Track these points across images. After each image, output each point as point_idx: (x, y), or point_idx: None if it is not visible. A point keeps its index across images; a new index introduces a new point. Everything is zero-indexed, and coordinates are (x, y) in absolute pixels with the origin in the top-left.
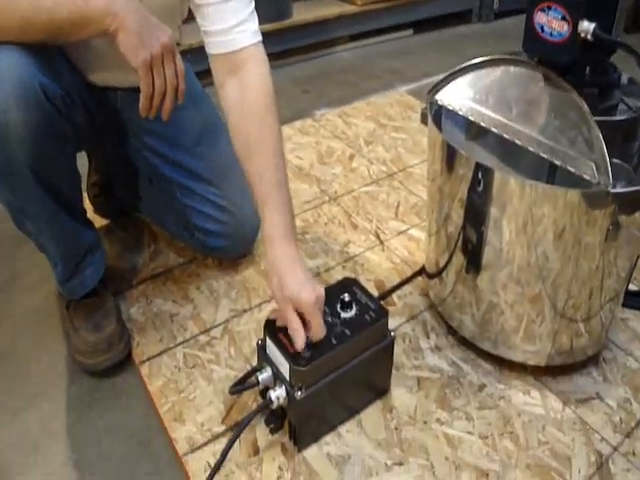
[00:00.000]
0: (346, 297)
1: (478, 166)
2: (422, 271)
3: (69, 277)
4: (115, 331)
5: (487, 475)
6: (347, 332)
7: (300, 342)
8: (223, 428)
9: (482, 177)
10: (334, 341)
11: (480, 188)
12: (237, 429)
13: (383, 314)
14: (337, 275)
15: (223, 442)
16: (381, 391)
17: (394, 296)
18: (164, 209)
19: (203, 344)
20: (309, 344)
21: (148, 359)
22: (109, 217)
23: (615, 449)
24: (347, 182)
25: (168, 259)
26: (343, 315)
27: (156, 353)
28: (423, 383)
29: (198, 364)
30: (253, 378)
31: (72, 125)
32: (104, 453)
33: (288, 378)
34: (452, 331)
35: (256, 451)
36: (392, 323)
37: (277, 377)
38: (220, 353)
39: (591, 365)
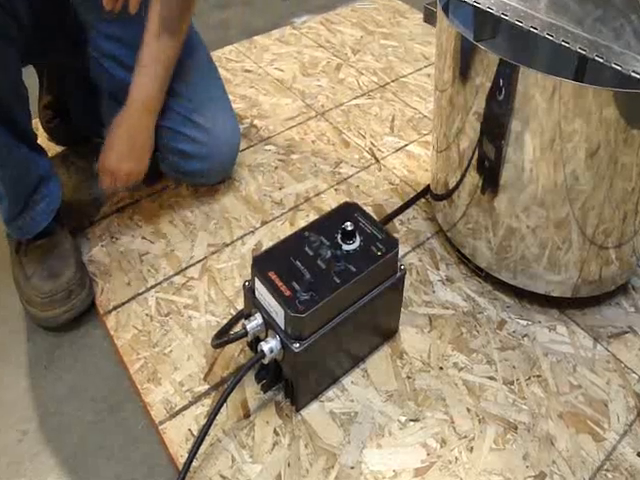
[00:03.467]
0: (348, 226)
1: (503, 65)
2: (426, 192)
3: (18, 213)
4: (74, 277)
5: (515, 428)
6: (351, 268)
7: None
8: (206, 387)
9: (505, 80)
10: (337, 280)
11: (502, 96)
12: (224, 391)
13: (392, 244)
14: (329, 200)
15: (207, 405)
16: (389, 333)
17: (396, 222)
18: None
19: (179, 287)
20: (307, 283)
21: (114, 308)
22: (65, 144)
23: None
24: (335, 95)
25: (135, 189)
26: (345, 247)
27: (124, 300)
28: (435, 322)
29: (173, 311)
30: (240, 326)
31: (16, 23)
32: (66, 423)
33: (283, 327)
34: (464, 260)
35: (246, 413)
36: None
37: (269, 325)
38: (199, 297)
39: (620, 295)
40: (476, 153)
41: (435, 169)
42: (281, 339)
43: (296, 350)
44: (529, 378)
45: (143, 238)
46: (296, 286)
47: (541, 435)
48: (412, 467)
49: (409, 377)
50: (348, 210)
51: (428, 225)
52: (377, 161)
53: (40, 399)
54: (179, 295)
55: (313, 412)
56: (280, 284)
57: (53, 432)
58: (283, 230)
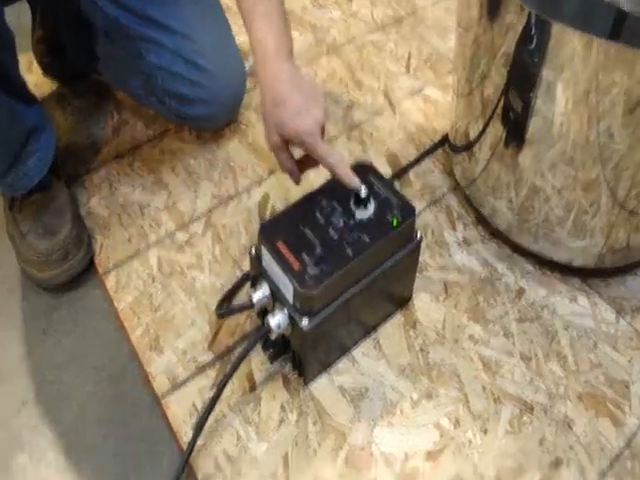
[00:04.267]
0: (362, 192)
1: None
2: (444, 142)
3: (7, 169)
4: (71, 235)
5: (532, 409)
6: (365, 239)
7: (295, 178)
8: (210, 357)
9: (538, 24)
10: (349, 252)
11: (534, 41)
12: (229, 368)
13: (409, 212)
14: (341, 149)
15: (211, 376)
16: (402, 301)
17: (411, 174)
18: (127, 71)
19: (181, 244)
20: (317, 255)
21: (115, 267)
22: (61, 80)
23: None
24: (347, 29)
25: (135, 132)
26: (359, 216)
27: (124, 258)
28: (451, 289)
29: (176, 271)
30: (245, 293)
31: None
32: (65, 392)
33: (291, 300)
34: (483, 220)
35: (252, 386)
36: None
37: (276, 297)
38: (202, 255)
39: None
40: (501, 101)
41: (455, 116)
42: (289, 313)
43: (305, 327)
44: (548, 354)
45: (144, 189)
46: (306, 258)
47: (558, 418)
48: (424, 450)
49: (422, 350)
50: (362, 171)
51: (445, 179)
52: (392, 105)
53: (39, 366)
54: (182, 253)
55: (322, 386)
56: (289, 255)
57: (52, 402)
58: (291, 182)
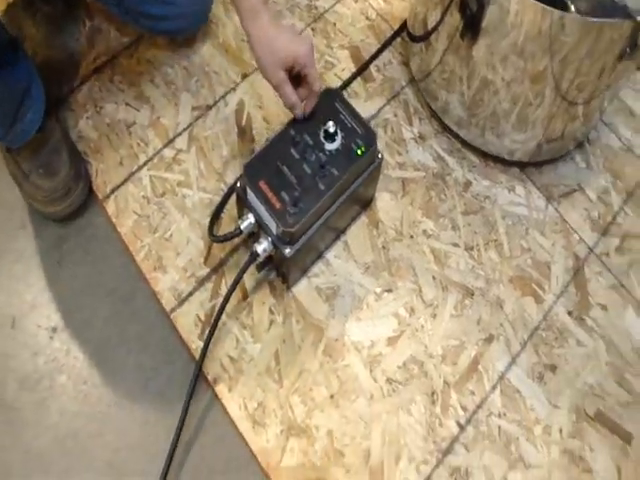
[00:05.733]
0: (330, 127)
1: None
2: (403, 29)
3: (7, 131)
4: (70, 173)
5: (472, 294)
6: (335, 172)
7: (299, 113)
8: (207, 271)
9: None
10: (321, 186)
11: None
12: (227, 290)
13: (372, 139)
14: None
15: (209, 289)
16: (367, 203)
17: (372, 68)
18: None
19: (169, 161)
20: (295, 194)
21: (112, 192)
22: None
23: (591, 250)
24: None
25: (109, 41)
26: (328, 147)
27: (120, 182)
28: (408, 186)
29: (168, 190)
30: (233, 209)
31: None
32: (88, 318)
33: (275, 232)
34: (436, 115)
35: (245, 295)
36: (372, 105)
37: (261, 225)
38: (189, 171)
39: (575, 150)
40: None
41: (415, 1)
42: (273, 242)
43: (287, 254)
44: (487, 243)
45: (127, 105)
46: (285, 197)
47: (493, 300)
48: (385, 336)
49: (384, 247)
50: (329, 97)
51: (403, 71)
52: None
53: (60, 295)
54: (171, 172)
55: (302, 289)
56: (271, 195)
57: (78, 328)
58: (264, 86)
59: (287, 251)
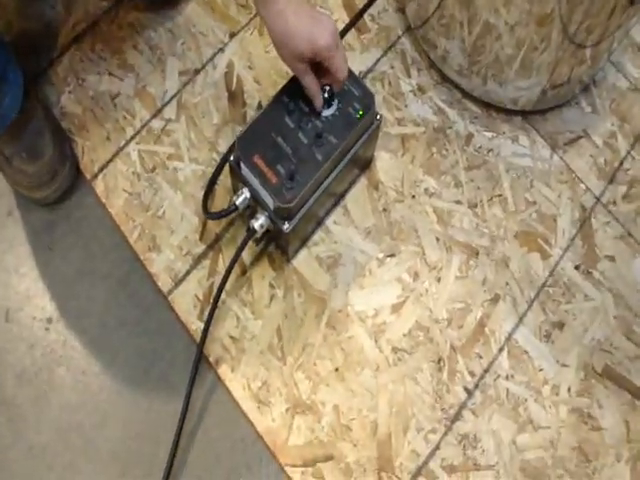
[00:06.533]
0: (326, 91)
1: None
2: None
3: None
4: (54, 154)
5: (477, 254)
6: (332, 140)
7: (319, 105)
8: (203, 248)
9: None
10: (319, 157)
11: None
12: (225, 269)
13: (370, 101)
14: None
15: (206, 266)
16: (366, 164)
17: (366, 18)
18: None
19: (158, 133)
20: (291, 167)
21: (100, 170)
22: None
23: (598, 200)
24: None
25: (88, 6)
26: (324, 113)
27: (107, 159)
28: (408, 143)
29: (158, 164)
30: (227, 180)
31: None
32: (84, 305)
33: (272, 208)
34: (435, 65)
35: (243, 270)
36: (368, 58)
37: (257, 200)
38: (180, 142)
39: (580, 94)
40: None
41: None
42: (270, 217)
43: (285, 229)
44: (491, 199)
45: (110, 74)
46: (281, 170)
47: (498, 258)
48: (389, 304)
49: (385, 210)
50: None
51: (399, 19)
52: None
53: (54, 285)
54: (160, 144)
55: (302, 259)
56: (266, 170)
57: (74, 317)
58: (254, 43)
59: (285, 226)
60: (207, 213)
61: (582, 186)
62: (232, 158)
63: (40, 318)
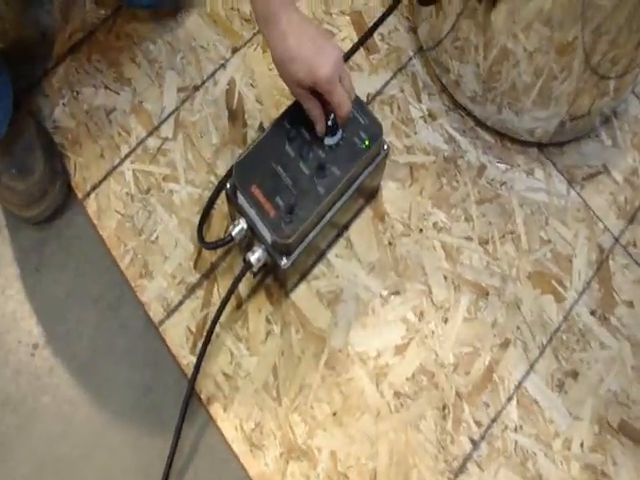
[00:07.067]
0: (330, 119)
1: None
2: None
3: None
4: (45, 171)
5: (487, 294)
6: (335, 172)
7: (319, 131)
8: (197, 277)
9: None
10: (321, 190)
11: None
12: (220, 301)
13: (377, 130)
14: (304, 8)
15: (200, 297)
16: (372, 195)
17: (376, 37)
18: None
19: (154, 152)
20: (291, 201)
21: (92, 189)
22: None
23: (617, 240)
24: None
25: (85, 14)
26: (327, 142)
27: (100, 178)
28: (417, 173)
29: (153, 185)
30: (224, 204)
31: None
32: (72, 331)
33: (269, 241)
34: (447, 90)
35: (239, 303)
36: (377, 80)
37: (254, 232)
38: (176, 163)
39: (601, 126)
40: None
41: None
42: (268, 251)
43: (283, 265)
44: (503, 235)
45: (106, 88)
46: (280, 203)
47: (509, 299)
48: (393, 345)
49: (390, 243)
50: None
51: (411, 40)
52: None
53: (41, 307)
54: (156, 164)
55: (301, 294)
56: (264, 201)
57: (61, 343)
58: (257, 60)
59: (283, 262)
60: (202, 242)
61: (600, 225)
62: (228, 186)
63: (26, 342)
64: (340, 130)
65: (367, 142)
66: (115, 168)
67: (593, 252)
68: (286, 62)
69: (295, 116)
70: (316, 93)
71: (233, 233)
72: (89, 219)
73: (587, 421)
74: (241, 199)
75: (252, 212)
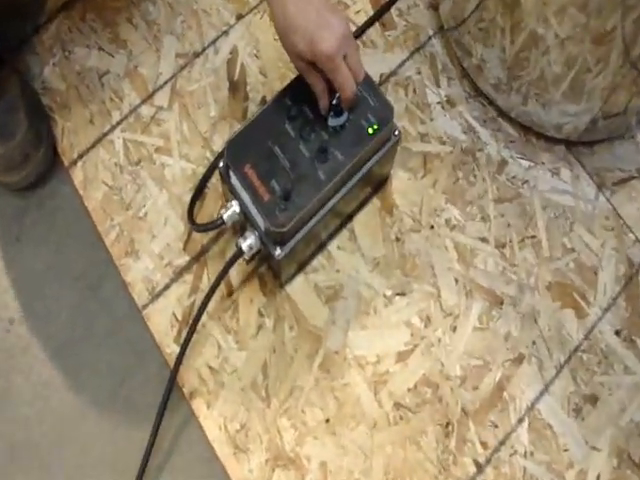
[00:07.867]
0: (335, 97)
1: None
2: None
3: None
4: (28, 134)
5: (501, 303)
6: (339, 157)
7: (324, 106)
8: (186, 259)
9: None
10: (321, 176)
11: None
12: (209, 288)
13: (387, 114)
14: None
15: (188, 281)
16: (380, 184)
17: (393, 12)
18: None
19: (147, 121)
20: (288, 185)
21: (80, 157)
22: None
23: None
24: None
25: None
26: (332, 123)
27: (89, 145)
28: (430, 163)
29: (144, 157)
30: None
31: None
32: (51, 308)
33: (263, 228)
34: (469, 75)
35: (230, 291)
36: (392, 59)
37: (247, 217)
38: (170, 134)
39: (637, 127)
40: None
41: None
42: (261, 238)
43: (277, 256)
44: (522, 240)
45: (100, 49)
46: (276, 187)
47: (525, 311)
48: (395, 351)
49: (398, 239)
50: None
51: (431, 17)
52: None
53: (20, 281)
54: (148, 134)
55: (297, 287)
56: (258, 184)
57: (39, 320)
58: (262, 29)
59: (277, 252)
60: (192, 223)
61: (631, 236)
62: (221, 164)
63: (2, 317)
64: (347, 110)
65: (376, 126)
66: (105, 135)
67: (621, 265)
68: (287, 31)
69: (298, 92)
70: (319, 69)
71: (225, 216)
72: (74, 189)
73: (605, 452)
74: (234, 180)
75: (245, 195)
